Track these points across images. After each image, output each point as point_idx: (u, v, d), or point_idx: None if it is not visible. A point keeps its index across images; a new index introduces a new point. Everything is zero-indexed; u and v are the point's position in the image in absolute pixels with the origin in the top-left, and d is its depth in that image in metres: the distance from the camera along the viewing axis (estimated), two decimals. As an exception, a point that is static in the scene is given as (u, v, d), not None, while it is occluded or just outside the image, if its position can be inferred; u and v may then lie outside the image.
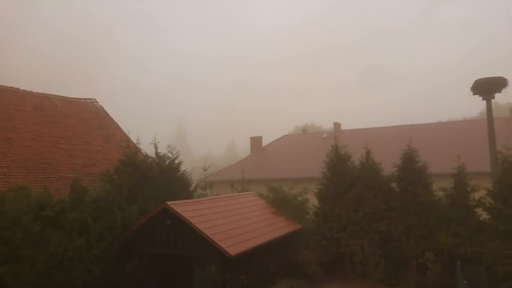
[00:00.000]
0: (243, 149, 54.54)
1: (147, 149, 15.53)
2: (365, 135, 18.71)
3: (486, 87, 14.60)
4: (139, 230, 12.14)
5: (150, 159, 15.08)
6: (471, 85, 15.14)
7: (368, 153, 15.30)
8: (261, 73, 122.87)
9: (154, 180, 14.03)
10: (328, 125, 41.11)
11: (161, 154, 15.15)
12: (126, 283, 11.75)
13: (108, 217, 12.02)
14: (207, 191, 17.37)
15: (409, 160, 14.25)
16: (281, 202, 16.64)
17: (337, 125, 35.18)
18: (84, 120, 18.34)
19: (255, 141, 36.04)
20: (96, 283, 11.09)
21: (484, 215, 13.05)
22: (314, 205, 16.10)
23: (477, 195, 13.20)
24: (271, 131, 43.01)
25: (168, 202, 11.72)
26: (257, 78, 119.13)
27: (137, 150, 15.25)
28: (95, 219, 11.83)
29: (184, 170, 15.68)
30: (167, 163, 15.06)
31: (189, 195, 15.18)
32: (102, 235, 11.71)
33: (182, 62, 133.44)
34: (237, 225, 12.87)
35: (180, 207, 11.81)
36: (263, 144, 36.24)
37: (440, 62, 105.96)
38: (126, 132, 17.73)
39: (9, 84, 16.67)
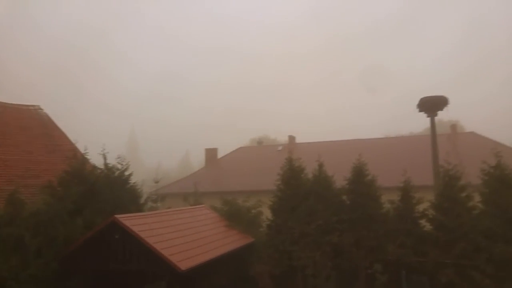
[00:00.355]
0: (198, 161, 53.87)
1: (96, 160, 14.89)
2: (318, 148, 19.11)
3: (430, 105, 15.48)
4: (84, 245, 11.52)
5: (98, 170, 14.45)
6: (417, 103, 16.01)
7: (320, 166, 15.61)
8: (217, 87, 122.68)
9: (102, 192, 13.41)
10: (283, 138, 41.68)
11: (110, 165, 14.57)
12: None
13: (48, 232, 11.28)
14: (159, 204, 16.86)
15: (359, 174, 14.70)
16: (234, 215, 16.50)
17: (291, 138, 35.82)
18: (25, 128, 17.20)
19: (210, 153, 35.76)
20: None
21: (427, 226, 13.65)
22: (268, 218, 16.12)
23: (421, 207, 13.80)
24: (227, 144, 42.99)
25: (117, 216, 11.26)
26: (212, 92, 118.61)
27: (84, 160, 14.55)
28: (34, 234, 11.04)
29: (135, 182, 15.17)
30: (116, 174, 14.49)
31: (139, 208, 14.66)
32: (41, 251, 10.95)
33: (134, 72, 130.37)
34: (189, 239, 12.59)
35: (129, 220, 11.37)
36: (219, 156, 36.08)
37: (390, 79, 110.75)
38: (73, 141, 16.90)
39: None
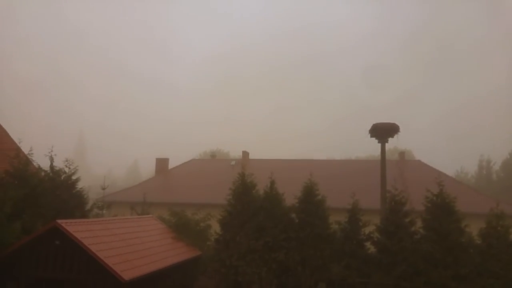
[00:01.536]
0: (148, 170, 52.55)
1: (42, 162, 14.14)
2: (271, 166, 19.37)
3: (381, 132, 16.19)
4: (20, 250, 10.79)
5: (43, 173, 13.72)
6: (369, 128, 16.68)
7: (272, 183, 15.75)
8: (175, 96, 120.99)
9: (45, 196, 12.72)
10: (236, 153, 41.78)
11: (57, 169, 13.90)
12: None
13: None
14: (104, 212, 16.24)
15: (309, 193, 14.98)
16: (182, 227, 16.23)
17: (245, 154, 35.98)
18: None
19: (161, 163, 35.07)
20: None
21: (372, 249, 14.11)
22: (216, 232, 16.01)
23: (367, 230, 14.27)
24: (179, 154, 42.37)
25: (59, 221, 10.69)
26: (169, 99, 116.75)
27: (27, 161, 13.77)
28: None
29: (81, 188, 14.56)
30: (62, 178, 13.84)
31: (84, 215, 14.05)
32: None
33: (89, 76, 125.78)
34: (134, 249, 12.19)
35: (72, 226, 10.84)
36: (170, 167, 35.46)
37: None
38: (16, 141, 15.96)
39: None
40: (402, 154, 33.77)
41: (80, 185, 14.58)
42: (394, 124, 16.20)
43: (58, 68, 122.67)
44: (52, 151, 13.90)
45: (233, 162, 33.93)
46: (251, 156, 35.98)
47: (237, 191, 15.79)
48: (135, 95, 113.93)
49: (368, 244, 14.21)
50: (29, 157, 14.17)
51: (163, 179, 33.01)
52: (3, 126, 17.81)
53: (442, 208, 13.45)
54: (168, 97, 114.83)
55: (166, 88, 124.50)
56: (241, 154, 36.70)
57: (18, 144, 15.68)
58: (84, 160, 66.08)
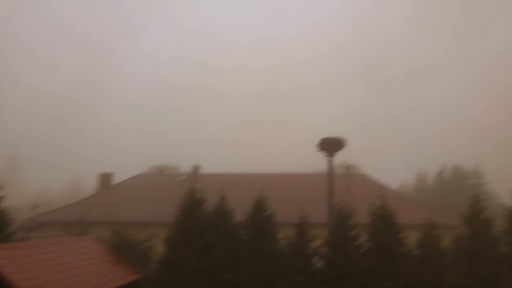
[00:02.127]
0: (92, 187, 49.76)
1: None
2: (222, 180, 18.85)
3: (328, 146, 16.21)
4: None
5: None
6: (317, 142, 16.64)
7: (222, 198, 15.28)
8: (125, 107, 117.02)
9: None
10: (186, 168, 40.60)
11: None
12: None
13: None
14: (34, 234, 14.75)
15: (259, 208, 14.70)
16: (123, 248, 15.12)
17: (196, 168, 34.97)
18: None
19: (104, 178, 33.10)
20: None
21: (319, 264, 13.96)
22: (160, 252, 15.08)
23: (316, 244, 14.13)
24: (126, 169, 40.43)
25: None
26: (119, 110, 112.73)
27: None
28: None
29: (7, 206, 13.11)
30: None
31: (5, 238, 12.59)
32: None
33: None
34: (64, 276, 11.05)
35: (-11, 252, 9.59)
36: (116, 182, 33.64)
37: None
38: None
39: None
40: (348, 168, 34.39)
41: (6, 203, 13.13)
42: (341, 138, 16.32)
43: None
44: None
45: (182, 177, 32.85)
46: (203, 171, 35.05)
47: (185, 208, 15.16)
48: (78, 104, 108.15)
49: (315, 259, 14.03)
50: None
51: (106, 196, 31.20)
52: None
53: (384, 220, 13.75)
54: (118, 108, 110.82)
55: (114, 98, 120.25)
56: (190, 168, 35.67)
57: None
58: (16, 176, 61.23)
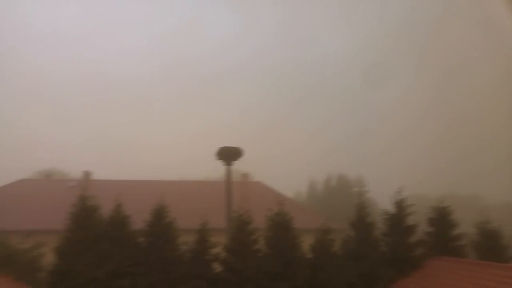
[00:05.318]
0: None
1: None
2: (117, 187, 18.45)
3: (226, 155, 17.16)
4: None
5: None
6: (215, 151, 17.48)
7: (118, 206, 15.04)
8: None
9: None
10: (77, 174, 38.12)
11: None
12: None
13: None
14: None
15: (158, 215, 14.83)
16: (6, 258, 14.04)
17: (87, 174, 33.15)
18: None
19: (-20, 184, 29.71)
20: None
21: (219, 268, 14.50)
22: (51, 262, 14.33)
23: (215, 250, 14.64)
24: (6, 173, 36.44)
25: None
26: None
27: None
28: None
29: None
30: None
31: None
32: None
33: None
34: None
35: None
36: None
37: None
38: None
39: None
40: (245, 175, 35.93)
41: None
42: (238, 148, 17.37)
43: None
44: None
45: (72, 183, 30.90)
46: (94, 177, 33.33)
47: (77, 215, 14.63)
48: None
49: (215, 264, 14.60)
50: None
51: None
52: None
53: (281, 225, 14.78)
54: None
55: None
56: (81, 174, 33.68)
57: None
58: None
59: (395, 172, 54.86)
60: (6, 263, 13.85)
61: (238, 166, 21.49)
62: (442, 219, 15.97)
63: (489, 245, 15.57)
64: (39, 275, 14.44)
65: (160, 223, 14.68)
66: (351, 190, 51.92)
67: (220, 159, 17.62)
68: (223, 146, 17.41)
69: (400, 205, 15.84)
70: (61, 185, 31.92)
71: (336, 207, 41.81)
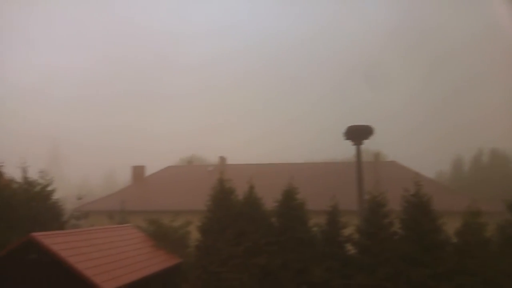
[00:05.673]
0: (124, 178, 51.65)
1: (13, 173, 13.74)
2: (249, 171, 19.41)
3: (356, 134, 16.45)
4: (-5, 265, 10.48)
5: (16, 185, 13.31)
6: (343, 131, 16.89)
7: (251, 188, 15.79)
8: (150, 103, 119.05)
9: (19, 208, 12.36)
10: (213, 159, 41.64)
11: (30, 179, 13.50)
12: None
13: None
14: (82, 222, 15.89)
15: (289, 197, 15.09)
16: (161, 235, 16.07)
17: (222, 159, 35.87)
18: None
19: (137, 171, 34.55)
20: None
21: (352, 250, 14.23)
22: (196, 238, 15.93)
23: (347, 231, 14.38)
24: (156, 161, 41.85)
25: (34, 234, 10.41)
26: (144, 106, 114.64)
27: (-1, 173, 13.39)
28: None
29: (57, 199, 14.20)
30: (37, 189, 13.45)
31: (61, 226, 13.72)
32: None
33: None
34: (114, 259, 12.01)
35: (48, 239, 10.58)
36: (147, 174, 35.00)
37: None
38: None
39: None
40: (377, 155, 34.39)
41: (56, 195, 14.23)
42: (368, 126, 16.47)
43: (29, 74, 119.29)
44: (25, 162, 13.51)
45: (210, 168, 33.79)
46: (228, 162, 35.92)
47: (216, 197, 15.78)
48: (110, 101, 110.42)
49: (348, 246, 14.36)
50: (0, 169, 13.69)
51: (140, 187, 32.55)
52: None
53: (419, 207, 13.70)
54: (143, 104, 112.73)
55: (140, 95, 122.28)
56: (217, 159, 36.60)
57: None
58: (60, 169, 64.09)
59: None
60: (161, 239, 15.88)
61: (369, 145, 20.52)
62: None
63: None
64: (188, 250, 16.19)
65: (291, 205, 14.95)
66: (508, 167, 44.83)
67: (348, 138, 16.97)
68: (352, 124, 16.68)
69: None
70: (201, 170, 35.04)
71: (489, 188, 36.44)
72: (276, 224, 15.07)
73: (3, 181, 13.20)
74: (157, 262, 14.00)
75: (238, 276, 14.37)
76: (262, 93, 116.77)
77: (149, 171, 35.50)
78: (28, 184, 13.30)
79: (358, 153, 16.50)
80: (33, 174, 13.64)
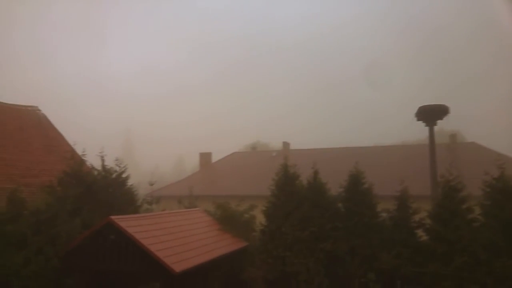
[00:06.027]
0: (192, 165, 53.83)
1: (93, 161, 14.86)
2: (313, 155, 19.16)
3: (429, 114, 15.42)
4: (81, 244, 11.49)
5: (96, 172, 14.40)
6: (414, 111, 15.94)
7: (316, 173, 15.61)
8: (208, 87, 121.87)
9: (99, 193, 13.37)
10: (277, 145, 41.77)
11: (108, 167, 14.53)
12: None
13: (49, 231, 11.24)
14: (154, 206, 16.84)
15: (355, 181, 14.69)
16: (228, 219, 16.49)
17: (286, 144, 35.88)
18: (24, 128, 17.27)
19: (204, 157, 35.80)
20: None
21: (424, 237, 13.54)
22: (261, 223, 16.14)
23: (418, 217, 13.75)
24: (221, 148, 42.99)
25: (112, 217, 11.22)
26: (203, 92, 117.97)
27: (82, 162, 14.51)
28: (35, 232, 11.04)
29: (131, 184, 15.14)
30: (114, 176, 14.44)
31: (135, 210, 14.63)
32: (42, 249, 10.90)
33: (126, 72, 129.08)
34: (183, 242, 12.55)
35: (124, 221, 11.33)
36: (213, 161, 36.12)
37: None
38: (71, 143, 16.90)
39: None
40: (453, 136, 31.95)
41: (130, 182, 15.14)
42: (442, 105, 15.34)
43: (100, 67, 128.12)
44: (102, 151, 14.52)
45: (274, 154, 33.97)
46: (291, 147, 35.83)
47: (280, 182, 15.80)
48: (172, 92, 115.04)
49: (419, 232, 13.70)
50: (83, 158, 14.86)
51: (207, 173, 33.70)
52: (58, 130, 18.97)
53: (504, 192, 12.40)
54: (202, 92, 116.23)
55: (200, 83, 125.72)
56: (281, 145, 36.66)
57: (72, 146, 16.63)
58: (132, 157, 68.46)
59: None
60: (228, 222, 16.32)
61: (445, 125, 18.97)
62: None
63: None
64: (253, 234, 16.47)
65: (357, 189, 14.55)
66: None
67: (420, 119, 16.01)
68: (424, 104, 15.69)
69: None
70: (265, 155, 35.34)
71: None
72: (342, 209, 14.79)
73: (85, 168, 14.30)
74: (224, 245, 14.43)
75: (304, 260, 14.37)
76: (326, 77, 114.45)
77: (215, 157, 36.63)
78: (106, 171, 14.29)
79: (431, 134, 15.53)
80: (109, 163, 14.67)
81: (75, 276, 11.49)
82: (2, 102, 17.61)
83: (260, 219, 16.35)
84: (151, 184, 18.10)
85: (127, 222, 11.37)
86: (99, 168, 14.52)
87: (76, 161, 14.17)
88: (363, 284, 13.51)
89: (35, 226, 11.25)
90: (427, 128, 16.07)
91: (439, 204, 13.21)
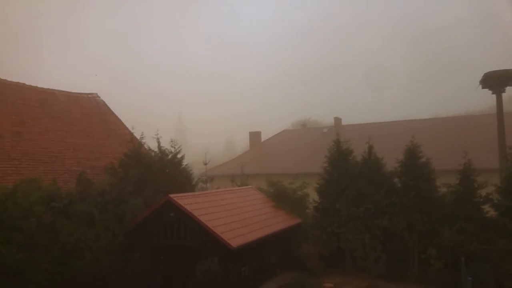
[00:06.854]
0: (242, 144, 54.46)
1: (149, 143, 15.48)
2: (366, 130, 18.59)
3: (496, 80, 14.27)
4: (144, 222, 12.15)
5: (153, 153, 14.99)
6: (479, 78, 14.81)
7: (370, 148, 15.20)
8: (258, 64, 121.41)
9: (157, 173, 13.96)
10: (328, 120, 40.86)
11: (164, 149, 15.05)
12: (132, 273, 11.83)
13: (114, 210, 11.98)
14: (208, 185, 17.32)
15: (412, 156, 14.11)
16: (281, 196, 16.60)
17: (337, 120, 34.98)
18: (87, 115, 18.51)
19: (254, 136, 36.02)
20: (104, 272, 11.09)
21: (491, 212, 12.84)
22: (314, 199, 16.07)
23: (484, 192, 12.97)
24: (270, 126, 42.98)
25: (171, 195, 11.70)
26: (253, 70, 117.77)
27: (140, 144, 15.17)
28: (102, 211, 11.84)
29: (187, 164, 15.62)
30: (169, 157, 14.95)
31: (191, 189, 15.14)
32: (109, 227, 11.66)
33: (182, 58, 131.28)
34: (239, 218, 12.88)
35: (183, 199, 11.79)
36: (262, 139, 36.26)
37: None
38: (129, 127, 17.70)
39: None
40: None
41: (184, 162, 15.62)
42: (510, 70, 14.09)
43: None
44: (158, 133, 15.04)
45: (325, 130, 33.36)
46: (343, 122, 34.95)
47: (333, 159, 15.61)
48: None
49: (486, 207, 12.98)
50: (140, 140, 15.50)
51: (258, 152, 33.95)
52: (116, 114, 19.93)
53: None
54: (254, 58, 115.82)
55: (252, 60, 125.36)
56: (332, 120, 35.86)
57: (129, 129, 17.42)
58: (185, 139, 70.48)
59: None
60: (281, 199, 16.43)
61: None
62: None
63: None
64: (306, 211, 16.48)
65: (414, 164, 13.96)
66: None
67: (486, 87, 14.85)
68: (490, 70, 14.49)
69: None
70: (316, 132, 34.87)
71: None
72: (398, 184, 14.31)
73: (144, 150, 14.93)
74: (278, 221, 14.59)
75: (359, 237, 14.23)
76: (383, 47, 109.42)
77: (264, 136, 36.75)
78: (162, 152, 14.85)
79: (499, 102, 14.37)
80: (164, 144, 15.20)
81: (139, 251, 12.19)
82: (67, 91, 18.73)
83: (313, 196, 16.30)
84: (205, 164, 18.60)
85: (185, 200, 11.80)
86: (156, 149, 15.07)
87: (134, 143, 14.81)
88: (423, 260, 13.16)
89: (102, 205, 12.02)
90: (493, 96, 14.92)
91: (508, 176, 12.42)
